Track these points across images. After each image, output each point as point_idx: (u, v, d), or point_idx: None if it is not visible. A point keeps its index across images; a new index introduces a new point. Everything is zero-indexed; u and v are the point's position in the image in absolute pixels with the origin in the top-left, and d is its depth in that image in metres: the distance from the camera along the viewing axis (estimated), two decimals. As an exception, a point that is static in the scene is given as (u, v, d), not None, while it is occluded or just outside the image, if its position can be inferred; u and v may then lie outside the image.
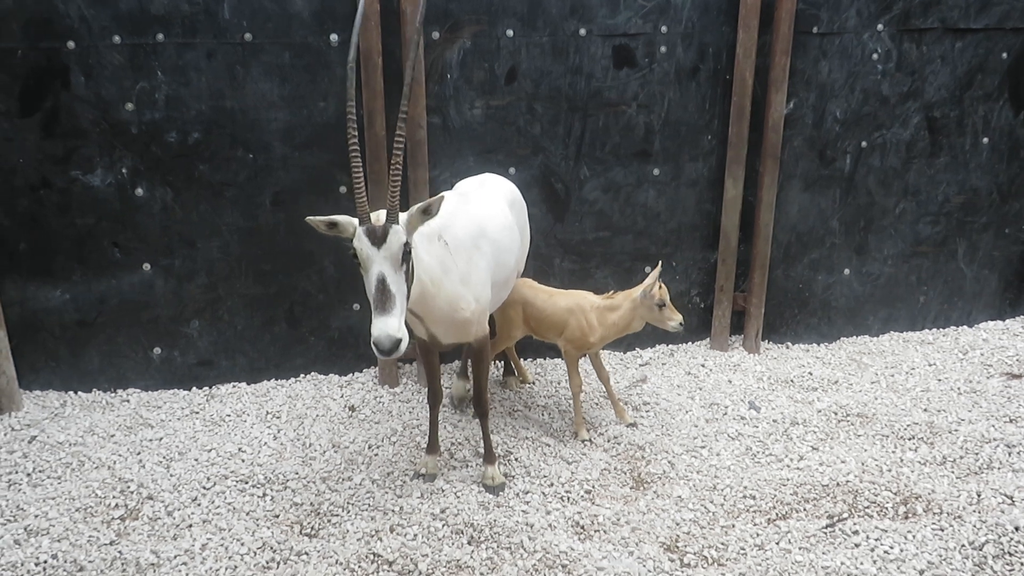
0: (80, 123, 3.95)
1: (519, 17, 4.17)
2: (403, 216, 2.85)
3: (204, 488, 3.51)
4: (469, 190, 3.67)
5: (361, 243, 2.72)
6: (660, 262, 3.96)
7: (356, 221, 2.79)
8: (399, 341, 2.69)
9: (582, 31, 4.26)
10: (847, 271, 4.96)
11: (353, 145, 2.77)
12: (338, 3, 3.99)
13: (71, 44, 3.84)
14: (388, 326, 2.67)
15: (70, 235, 4.10)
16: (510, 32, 4.19)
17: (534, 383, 4.38)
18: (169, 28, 3.89)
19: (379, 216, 2.80)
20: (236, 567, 3.03)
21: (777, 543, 3.14)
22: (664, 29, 4.34)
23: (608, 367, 4.67)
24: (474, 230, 3.33)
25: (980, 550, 3.06)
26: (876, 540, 3.13)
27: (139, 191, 4.09)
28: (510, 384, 4.39)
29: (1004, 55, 4.72)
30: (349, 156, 2.77)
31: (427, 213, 2.88)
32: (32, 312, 4.17)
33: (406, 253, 2.77)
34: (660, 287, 3.71)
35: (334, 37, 4.03)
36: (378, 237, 2.71)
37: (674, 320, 3.74)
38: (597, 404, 4.25)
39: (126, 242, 4.15)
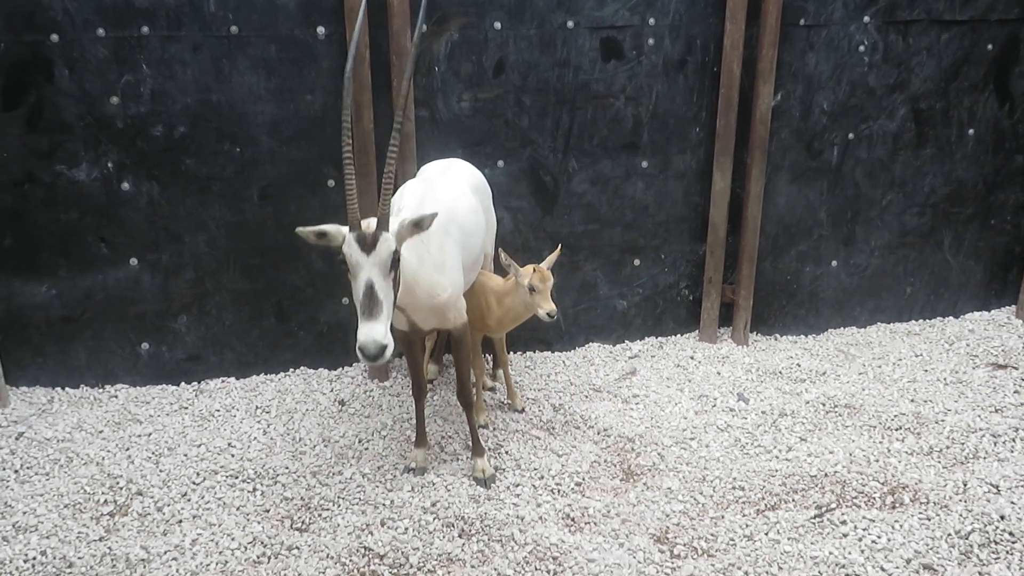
0: (64, 117, 3.91)
1: (507, 9, 4.16)
2: (393, 224, 2.85)
3: (194, 483, 3.50)
4: (433, 176, 3.67)
5: (351, 249, 2.73)
6: (560, 245, 3.79)
7: (345, 229, 2.79)
8: (385, 347, 2.71)
9: (570, 23, 4.25)
10: (834, 263, 4.98)
11: (347, 153, 2.76)
12: (325, -5, 3.97)
13: (54, 37, 3.80)
14: (375, 332, 2.68)
15: (55, 230, 4.06)
16: (498, 24, 4.18)
17: (494, 388, 4.35)
18: (154, 21, 3.86)
19: (369, 224, 2.81)
20: (227, 562, 3.03)
21: (766, 534, 3.16)
22: (652, 21, 4.33)
23: (597, 359, 4.68)
24: (443, 216, 3.32)
25: (966, 539, 3.09)
26: (864, 530, 3.16)
27: (125, 185, 4.06)
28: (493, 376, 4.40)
29: (989, 46, 4.74)
30: (343, 163, 2.77)
31: (418, 227, 2.90)
32: (18, 308, 4.14)
33: (395, 260, 2.78)
34: (535, 270, 3.54)
35: (321, 30, 4.01)
36: (368, 244, 2.72)
37: (543, 308, 3.50)
38: (587, 397, 4.26)
39: (112, 237, 4.12)
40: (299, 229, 2.86)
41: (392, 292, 2.81)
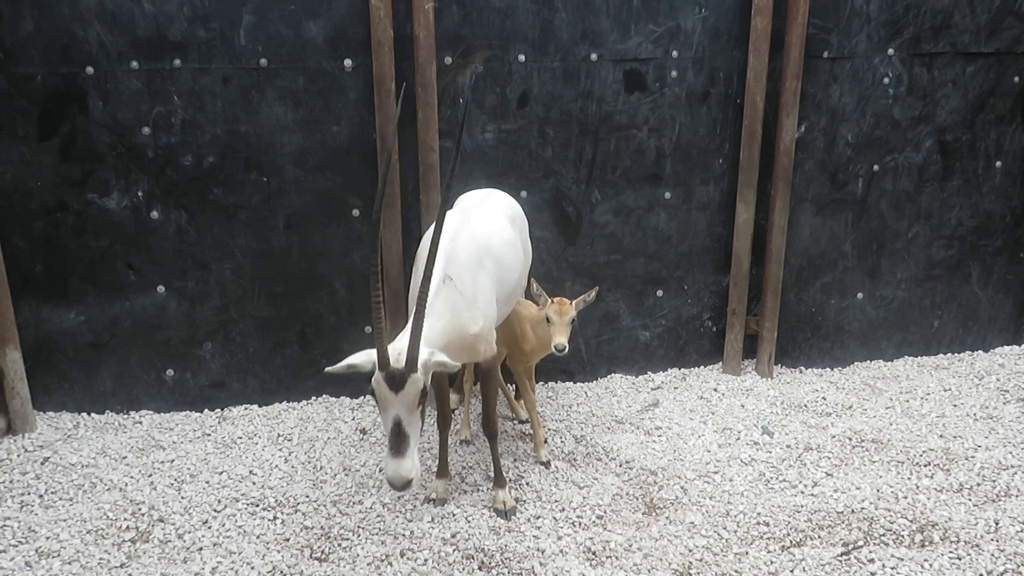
0: (97, 147, 4.00)
1: (531, 42, 4.21)
2: (423, 354, 2.81)
3: (215, 511, 3.51)
4: (470, 207, 3.68)
5: (380, 387, 2.76)
6: (597, 288, 3.75)
7: (374, 355, 2.78)
8: (411, 481, 2.75)
9: (593, 56, 4.29)
10: (860, 295, 4.93)
11: (376, 298, 2.76)
12: (351, 29, 4.04)
13: (89, 69, 3.90)
14: (401, 468, 2.73)
15: (85, 257, 4.13)
16: (522, 57, 4.23)
17: (525, 421, 4.32)
18: (186, 54, 3.95)
19: (398, 355, 2.77)
20: (246, 591, 3.02)
21: (791, 571, 3.10)
22: (675, 54, 4.36)
23: (619, 390, 4.65)
24: (477, 248, 3.33)
25: (999, 579, 3.02)
26: (892, 568, 3.09)
27: (154, 214, 4.13)
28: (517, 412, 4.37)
29: (1016, 79, 4.72)
30: (371, 306, 2.76)
31: (444, 367, 2.93)
32: (46, 334, 4.20)
33: (422, 396, 2.79)
34: (553, 301, 3.54)
35: (348, 62, 4.08)
36: (396, 383, 2.74)
37: (553, 339, 3.50)
38: (609, 429, 4.23)
39: (140, 264, 4.18)
40: (328, 369, 2.89)
41: (419, 424, 2.84)
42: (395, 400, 2.73)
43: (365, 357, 2.86)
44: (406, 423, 2.74)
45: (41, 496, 3.61)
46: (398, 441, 2.73)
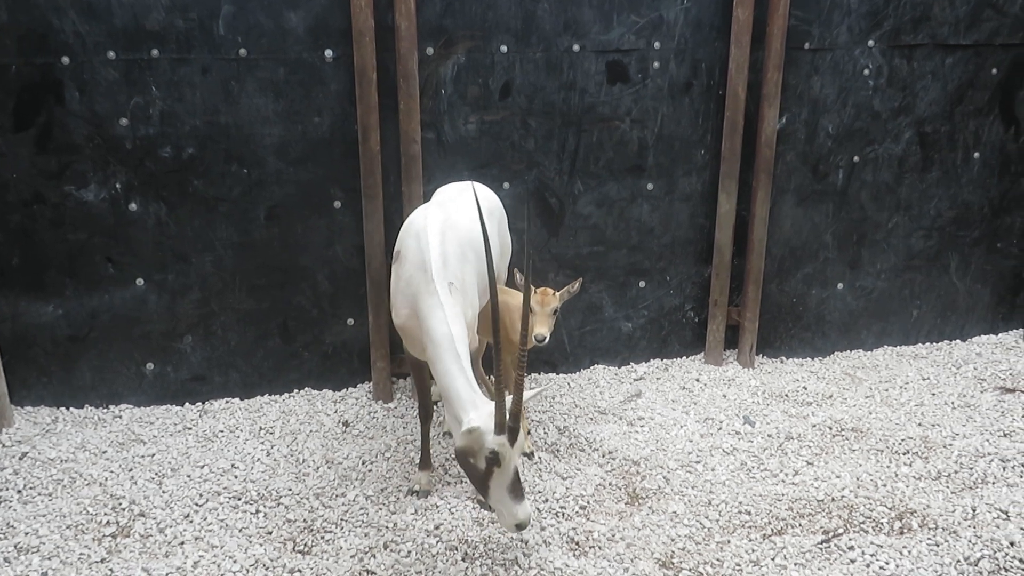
0: (74, 138, 3.95)
1: (513, 33, 4.20)
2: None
3: (196, 505, 3.49)
4: (447, 199, 3.66)
5: (504, 448, 2.86)
6: (580, 280, 3.72)
7: (485, 425, 2.85)
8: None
9: (576, 47, 4.28)
10: (840, 285, 4.97)
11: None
12: (332, 19, 4.01)
13: (65, 59, 3.84)
14: (528, 508, 2.94)
15: (63, 250, 4.08)
16: (504, 48, 4.21)
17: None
18: (164, 44, 3.90)
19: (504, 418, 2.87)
20: (228, 585, 3.01)
21: (773, 559, 3.13)
22: (657, 45, 4.36)
23: (602, 381, 4.66)
24: (461, 242, 3.32)
25: (976, 565, 3.06)
26: (872, 556, 3.13)
27: (133, 206, 4.08)
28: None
29: (994, 71, 4.76)
30: (500, 376, 2.93)
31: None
32: (24, 327, 4.15)
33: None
34: (536, 292, 3.53)
35: (328, 53, 4.05)
36: (514, 438, 2.87)
37: (534, 330, 3.47)
38: (592, 419, 4.24)
39: (119, 257, 4.14)
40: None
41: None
42: (513, 452, 2.88)
43: (480, 424, 2.87)
44: (520, 469, 2.95)
45: (19, 491, 3.57)
46: (521, 485, 2.93)
